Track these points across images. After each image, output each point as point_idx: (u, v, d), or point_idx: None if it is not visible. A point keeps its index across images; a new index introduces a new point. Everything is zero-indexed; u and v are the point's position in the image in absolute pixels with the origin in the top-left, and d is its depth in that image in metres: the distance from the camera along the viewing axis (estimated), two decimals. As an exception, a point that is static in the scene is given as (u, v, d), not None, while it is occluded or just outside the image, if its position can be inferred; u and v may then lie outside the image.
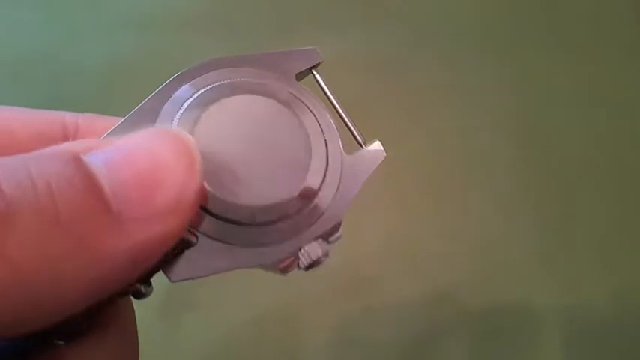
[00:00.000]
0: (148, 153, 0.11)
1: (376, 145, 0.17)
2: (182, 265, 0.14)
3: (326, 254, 0.15)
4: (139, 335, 0.16)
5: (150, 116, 0.15)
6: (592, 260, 0.40)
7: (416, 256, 0.40)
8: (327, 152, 0.16)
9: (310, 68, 0.17)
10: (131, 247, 0.11)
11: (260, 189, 0.14)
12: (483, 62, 0.46)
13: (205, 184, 0.14)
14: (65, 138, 0.15)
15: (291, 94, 0.16)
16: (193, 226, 0.14)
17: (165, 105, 0.15)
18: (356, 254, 0.39)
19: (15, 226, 0.10)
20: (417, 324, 0.38)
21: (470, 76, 0.46)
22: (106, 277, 0.11)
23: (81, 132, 0.15)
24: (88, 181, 0.11)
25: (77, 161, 0.11)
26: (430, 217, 0.41)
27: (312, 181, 0.15)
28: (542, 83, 0.46)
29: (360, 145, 0.17)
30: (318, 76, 0.17)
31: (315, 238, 0.15)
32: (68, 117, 0.16)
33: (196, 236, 0.14)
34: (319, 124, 0.16)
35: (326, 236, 0.15)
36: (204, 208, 0.14)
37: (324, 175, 0.15)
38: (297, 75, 0.17)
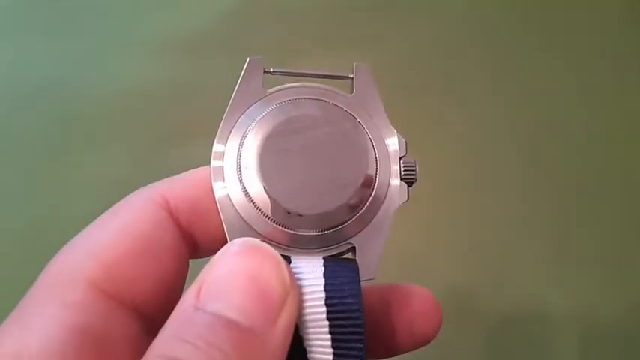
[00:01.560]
0: (252, 279, 0.13)
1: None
2: (366, 262, 0.16)
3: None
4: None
5: (233, 124, 0.16)
6: (604, 269, 0.41)
7: (425, 265, 0.41)
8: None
9: (265, 72, 0.18)
10: (277, 340, 0.13)
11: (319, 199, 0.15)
12: (489, 73, 0.47)
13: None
14: (168, 210, 0.17)
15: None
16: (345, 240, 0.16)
17: (241, 118, 0.17)
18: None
19: None
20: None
21: (477, 86, 0.47)
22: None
23: (177, 201, 0.17)
24: (226, 328, 0.13)
25: (211, 323, 0.13)
26: (440, 225, 0.42)
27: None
28: (553, 92, 0.47)
29: (346, 77, 0.18)
30: (277, 69, 0.18)
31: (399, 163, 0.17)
32: (158, 197, 0.17)
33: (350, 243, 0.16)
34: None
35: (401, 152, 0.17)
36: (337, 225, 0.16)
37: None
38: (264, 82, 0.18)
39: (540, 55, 0.48)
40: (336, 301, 0.14)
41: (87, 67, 0.47)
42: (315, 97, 0.17)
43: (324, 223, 0.15)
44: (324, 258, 0.16)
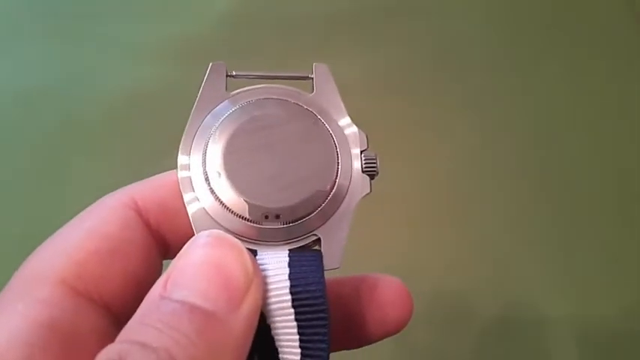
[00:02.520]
0: (215, 268, 0.14)
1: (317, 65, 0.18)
2: (330, 252, 0.16)
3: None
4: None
5: (196, 129, 0.17)
6: (604, 273, 0.41)
7: (427, 271, 0.41)
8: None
9: (228, 77, 0.18)
10: (241, 326, 0.14)
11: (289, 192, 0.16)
12: (490, 79, 0.47)
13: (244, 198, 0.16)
14: (137, 211, 0.17)
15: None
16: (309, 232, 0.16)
17: (204, 121, 0.17)
18: (369, 268, 0.40)
19: None
20: (429, 338, 0.39)
21: (477, 92, 0.47)
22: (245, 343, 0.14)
23: (146, 203, 0.17)
24: (190, 313, 0.13)
25: (176, 309, 0.13)
26: (440, 232, 0.42)
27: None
28: (551, 95, 0.47)
29: (306, 77, 0.18)
30: (239, 73, 0.18)
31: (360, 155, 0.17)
32: (127, 199, 0.17)
33: (315, 234, 0.16)
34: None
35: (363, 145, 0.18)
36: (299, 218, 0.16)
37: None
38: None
39: (539, 58, 0.48)
40: (300, 289, 0.15)
41: (85, 73, 0.48)
42: (276, 97, 0.17)
43: (288, 217, 0.16)
44: (289, 250, 0.16)
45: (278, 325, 0.15)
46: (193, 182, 0.16)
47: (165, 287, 0.14)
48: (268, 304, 0.15)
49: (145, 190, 0.17)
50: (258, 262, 0.16)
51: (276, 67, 0.46)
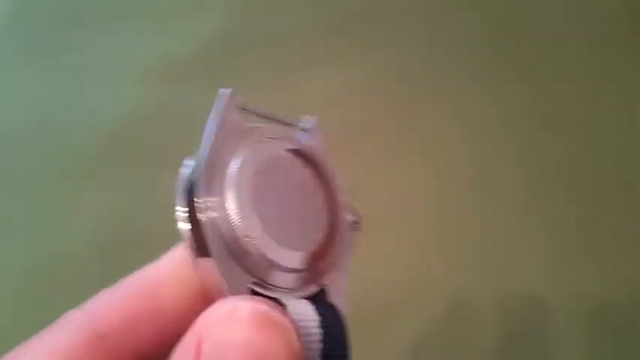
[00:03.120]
0: (257, 353, 0.12)
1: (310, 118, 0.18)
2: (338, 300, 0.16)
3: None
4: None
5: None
6: (604, 259, 0.41)
7: (428, 267, 0.41)
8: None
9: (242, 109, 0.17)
10: None
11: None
12: (483, 74, 0.48)
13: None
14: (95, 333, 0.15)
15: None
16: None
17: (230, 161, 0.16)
18: (372, 277, 0.40)
19: None
20: (432, 337, 0.39)
21: (473, 86, 0.47)
22: None
23: (106, 321, 0.16)
24: None
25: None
26: (441, 227, 0.42)
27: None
28: (552, 89, 0.47)
29: (295, 125, 0.18)
30: (249, 108, 0.17)
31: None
32: (85, 319, 0.16)
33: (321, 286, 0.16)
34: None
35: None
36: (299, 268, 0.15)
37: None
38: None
39: (541, 52, 0.49)
40: (329, 337, 0.14)
41: (77, 99, 0.48)
42: (285, 140, 0.17)
43: (307, 262, 0.16)
44: (305, 298, 0.15)
45: None
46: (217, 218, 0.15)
47: (198, 358, 0.12)
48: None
49: (105, 307, 0.16)
50: (293, 315, 0.14)
51: (268, 83, 0.46)
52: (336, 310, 0.16)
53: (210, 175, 0.15)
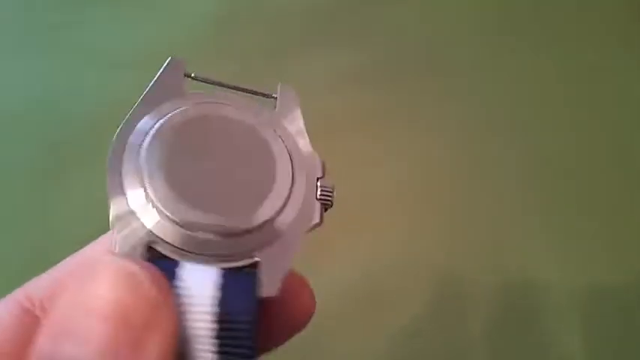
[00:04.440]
0: (113, 305, 0.12)
1: (282, 86, 0.17)
2: (268, 278, 0.14)
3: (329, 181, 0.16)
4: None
5: (121, 153, 0.15)
6: (603, 247, 0.41)
7: (416, 248, 0.41)
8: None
9: (186, 76, 0.17)
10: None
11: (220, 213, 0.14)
12: (479, 67, 0.47)
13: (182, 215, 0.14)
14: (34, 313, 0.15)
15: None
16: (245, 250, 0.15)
17: (130, 137, 0.16)
18: (371, 264, 0.40)
19: None
20: (432, 328, 0.39)
21: (469, 81, 0.47)
22: None
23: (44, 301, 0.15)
24: None
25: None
26: (439, 219, 0.42)
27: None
28: (547, 85, 0.47)
29: (270, 96, 0.17)
30: (199, 75, 0.17)
31: (317, 183, 0.16)
32: (23, 300, 0.15)
33: (254, 257, 0.15)
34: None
35: (321, 172, 0.16)
36: (240, 231, 0.14)
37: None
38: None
39: (536, 51, 0.49)
40: (226, 317, 0.13)
41: (67, 86, 0.47)
42: (234, 105, 0.16)
43: (227, 229, 0.14)
44: (222, 268, 0.14)
45: (193, 354, 0.13)
46: (125, 182, 0.15)
47: (48, 338, 0.12)
48: (186, 331, 0.13)
49: (43, 286, 0.15)
50: (182, 278, 0.13)
51: (259, 66, 0.46)
52: (250, 285, 0.14)
53: (122, 144, 0.16)
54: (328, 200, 0.16)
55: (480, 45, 0.48)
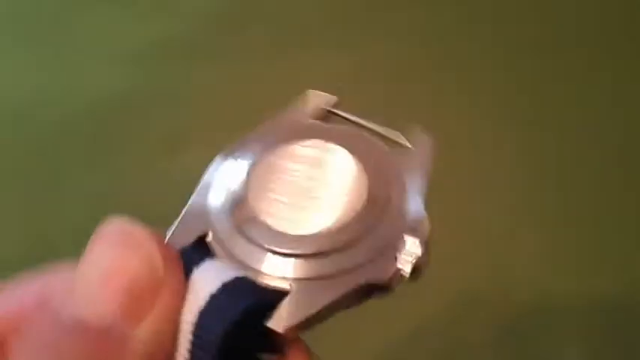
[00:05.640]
0: (121, 272, 0.12)
1: (422, 135, 0.17)
2: (286, 311, 0.13)
3: (425, 255, 0.14)
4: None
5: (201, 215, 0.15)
6: (603, 258, 0.40)
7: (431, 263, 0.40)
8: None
9: (327, 110, 0.17)
10: (143, 342, 0.12)
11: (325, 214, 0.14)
12: (489, 64, 0.47)
13: (270, 223, 0.14)
14: None
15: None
16: (283, 275, 0.14)
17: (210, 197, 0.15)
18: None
19: None
20: (435, 332, 0.39)
21: (476, 78, 0.46)
22: None
23: None
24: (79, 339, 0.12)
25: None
26: (440, 223, 0.42)
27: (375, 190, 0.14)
28: (551, 83, 0.46)
29: (403, 145, 0.16)
30: (339, 112, 0.17)
31: (405, 238, 0.14)
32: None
33: (288, 284, 0.14)
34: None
35: (417, 235, 0.14)
36: (286, 253, 0.14)
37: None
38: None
39: (541, 52, 0.48)
40: (199, 329, 0.13)
41: (69, 79, 0.47)
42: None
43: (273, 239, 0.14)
44: (236, 277, 0.14)
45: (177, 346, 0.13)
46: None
47: (57, 301, 0.12)
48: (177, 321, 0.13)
49: None
50: (196, 270, 0.13)
51: (264, 64, 0.45)
52: (230, 309, 0.13)
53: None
54: (417, 276, 0.14)
55: (496, 46, 0.48)
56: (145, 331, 0.12)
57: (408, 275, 0.14)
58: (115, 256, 0.12)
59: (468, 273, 0.40)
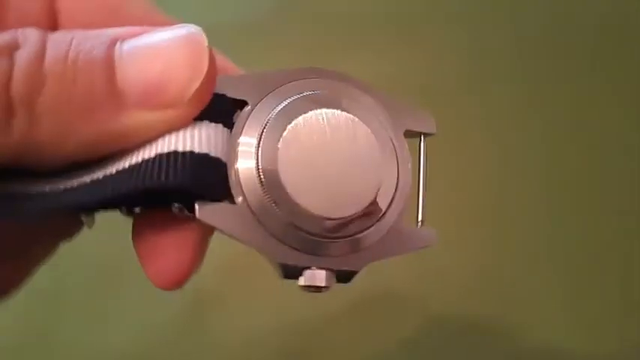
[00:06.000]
0: (166, 54, 0.14)
1: (431, 232, 0.17)
2: (214, 210, 0.15)
3: (326, 288, 0.16)
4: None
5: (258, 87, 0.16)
6: (619, 308, 0.40)
7: (440, 282, 0.40)
8: (389, 206, 0.16)
9: (420, 134, 0.18)
10: (121, 127, 0.14)
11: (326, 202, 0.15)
12: (510, 82, 0.46)
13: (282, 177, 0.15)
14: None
15: (390, 139, 0.16)
16: (242, 192, 0.15)
17: (269, 96, 0.16)
18: (379, 271, 0.40)
19: (43, 86, 0.13)
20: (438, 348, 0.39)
21: (498, 95, 0.46)
22: (97, 143, 0.14)
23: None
24: (106, 63, 0.13)
25: (110, 44, 0.14)
26: (457, 249, 0.41)
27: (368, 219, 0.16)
28: (578, 106, 0.46)
29: (417, 224, 0.18)
30: (423, 146, 0.18)
31: (329, 270, 0.16)
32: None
33: (244, 200, 0.15)
34: (397, 177, 0.16)
35: (339, 275, 0.16)
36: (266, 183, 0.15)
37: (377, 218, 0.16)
38: (405, 132, 0.17)
39: (563, 70, 0.47)
40: (144, 167, 0.14)
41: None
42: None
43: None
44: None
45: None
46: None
47: (117, 37, 0.14)
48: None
49: None
50: (201, 124, 0.15)
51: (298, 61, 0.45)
52: (179, 177, 0.14)
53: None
54: None
55: (515, 65, 0.47)
56: (135, 118, 0.13)
57: (299, 285, 0.16)
58: (173, 47, 0.14)
59: (474, 319, 0.40)
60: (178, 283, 0.16)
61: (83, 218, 0.16)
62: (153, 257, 0.16)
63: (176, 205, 0.15)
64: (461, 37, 0.48)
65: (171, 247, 0.16)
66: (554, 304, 0.40)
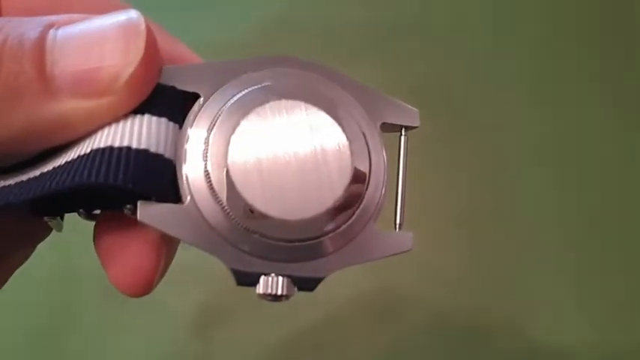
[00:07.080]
0: (99, 40, 0.13)
1: (408, 236, 0.16)
2: (158, 210, 0.14)
3: (287, 297, 0.14)
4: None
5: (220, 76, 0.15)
6: (629, 307, 0.39)
7: (447, 290, 0.40)
8: (360, 203, 0.15)
9: (401, 127, 0.16)
10: (53, 115, 0.13)
11: (288, 204, 0.14)
12: (515, 94, 0.46)
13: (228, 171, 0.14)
14: None
15: (361, 131, 0.15)
16: (189, 192, 0.14)
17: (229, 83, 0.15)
18: (386, 279, 0.39)
19: None
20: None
21: (503, 107, 0.46)
22: (30, 133, 0.13)
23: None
24: (36, 47, 0.13)
25: (44, 30, 0.13)
26: (463, 250, 0.41)
27: (331, 224, 0.14)
28: (582, 115, 0.45)
29: (395, 227, 0.16)
30: (403, 140, 0.17)
31: (289, 277, 0.14)
32: None
33: (192, 200, 0.14)
34: (369, 172, 0.15)
35: (299, 282, 0.15)
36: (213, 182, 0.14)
37: (342, 223, 0.15)
38: (382, 125, 0.16)
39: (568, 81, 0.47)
40: (78, 162, 0.13)
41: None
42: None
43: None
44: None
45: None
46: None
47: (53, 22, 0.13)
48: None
49: None
50: (141, 117, 0.14)
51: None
52: (111, 174, 0.13)
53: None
54: None
55: (521, 72, 0.47)
56: (69, 105, 0.13)
57: (257, 293, 0.15)
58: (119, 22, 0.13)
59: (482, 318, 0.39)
60: (142, 289, 0.15)
61: (48, 222, 0.15)
62: (112, 261, 0.15)
63: (128, 206, 0.14)
64: (460, 45, 0.48)
65: (130, 250, 0.15)
66: (554, 304, 0.39)
